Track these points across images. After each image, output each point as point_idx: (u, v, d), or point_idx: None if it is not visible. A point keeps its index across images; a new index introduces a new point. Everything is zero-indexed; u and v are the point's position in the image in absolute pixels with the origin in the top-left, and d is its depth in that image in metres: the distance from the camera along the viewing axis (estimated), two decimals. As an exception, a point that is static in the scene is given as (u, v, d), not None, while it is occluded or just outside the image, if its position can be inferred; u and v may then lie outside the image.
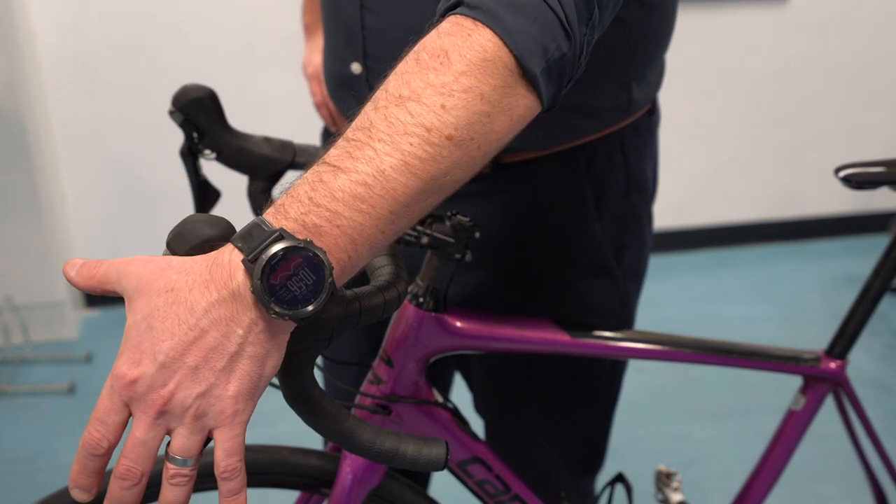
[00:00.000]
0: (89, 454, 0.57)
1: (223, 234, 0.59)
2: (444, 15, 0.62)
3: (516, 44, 0.59)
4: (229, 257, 0.55)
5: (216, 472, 0.58)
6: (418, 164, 0.56)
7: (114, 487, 0.57)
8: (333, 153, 0.58)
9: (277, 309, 0.54)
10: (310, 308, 0.55)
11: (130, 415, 0.57)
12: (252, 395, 0.57)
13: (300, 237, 0.55)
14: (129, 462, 0.56)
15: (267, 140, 0.93)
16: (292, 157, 0.94)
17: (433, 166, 0.57)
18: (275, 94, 2.60)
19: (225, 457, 0.57)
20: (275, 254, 0.53)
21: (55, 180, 2.57)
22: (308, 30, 1.29)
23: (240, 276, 0.55)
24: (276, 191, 0.60)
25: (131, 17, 2.47)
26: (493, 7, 0.59)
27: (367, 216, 0.56)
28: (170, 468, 0.57)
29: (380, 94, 0.59)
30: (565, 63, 0.62)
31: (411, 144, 0.56)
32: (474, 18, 0.59)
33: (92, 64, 2.51)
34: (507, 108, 0.60)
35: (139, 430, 0.56)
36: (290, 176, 0.97)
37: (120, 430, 0.57)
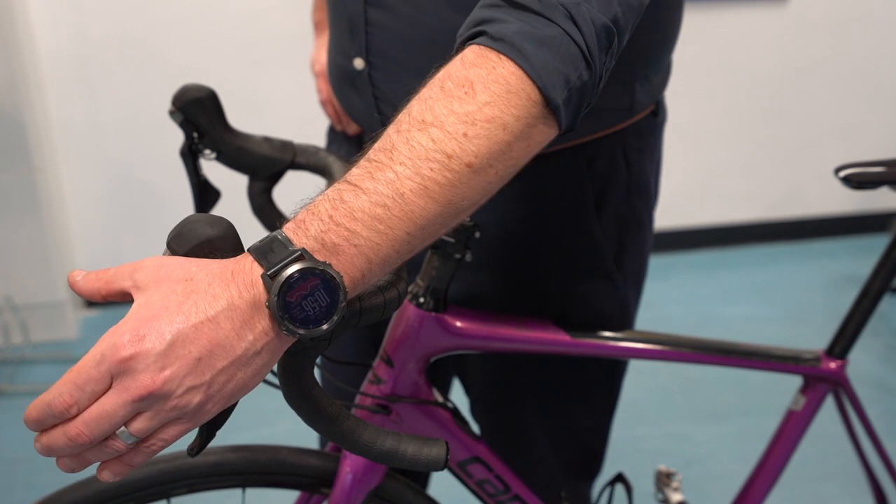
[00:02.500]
0: (51, 415, 0.54)
1: (223, 234, 0.59)
2: (465, 43, 0.63)
3: (540, 77, 0.60)
4: (250, 266, 0.56)
5: (141, 442, 0.56)
6: (437, 189, 0.58)
7: (58, 437, 0.55)
8: (355, 172, 0.59)
9: (290, 326, 0.55)
10: (322, 328, 0.56)
11: (110, 387, 0.54)
12: (229, 400, 0.57)
13: (319, 257, 0.56)
14: (83, 428, 0.54)
15: (267, 140, 0.93)
16: (292, 157, 0.94)
17: (451, 191, 0.58)
18: (275, 94, 2.60)
19: (160, 438, 0.56)
20: (293, 273, 0.54)
21: (55, 180, 2.57)
22: (318, 27, 1.29)
23: (260, 287, 0.56)
24: (297, 204, 0.60)
25: (131, 17, 2.47)
26: (517, 40, 0.61)
27: (384, 237, 0.57)
28: (111, 437, 0.55)
29: (403, 118, 0.60)
30: (586, 91, 0.64)
31: (431, 170, 0.58)
32: (498, 51, 0.61)
33: (92, 64, 2.50)
34: (526, 136, 0.61)
35: (111, 403, 0.54)
36: (290, 176, 0.97)
37: (94, 400, 0.54)
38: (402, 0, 0.88)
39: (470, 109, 0.59)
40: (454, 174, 0.58)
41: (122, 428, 0.55)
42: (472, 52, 0.62)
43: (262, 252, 0.56)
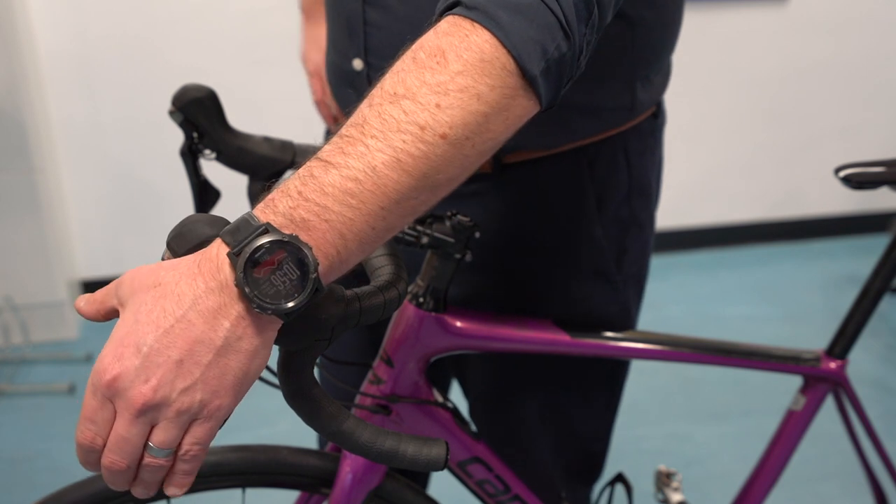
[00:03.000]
0: (87, 451, 0.57)
1: (223, 233, 0.59)
2: (442, 15, 0.62)
3: (514, 45, 0.59)
4: (217, 251, 0.55)
5: (178, 452, 0.57)
6: (410, 161, 0.57)
7: (104, 472, 0.57)
8: (326, 149, 0.58)
9: (260, 303, 0.54)
10: (291, 304, 0.55)
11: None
12: (237, 391, 0.57)
13: (287, 232, 0.55)
14: (113, 456, 0.56)
15: (267, 140, 0.93)
16: (292, 158, 0.94)
17: (425, 164, 0.57)
18: (275, 94, 2.60)
19: (192, 443, 0.57)
20: (258, 247, 0.53)
21: (55, 180, 2.57)
22: (307, 14, 1.25)
23: (227, 269, 0.55)
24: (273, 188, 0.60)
25: (131, 17, 2.48)
26: (490, 8, 0.59)
27: (356, 211, 0.56)
28: (145, 456, 0.57)
29: (375, 92, 0.59)
30: (564, 63, 0.62)
31: (404, 141, 0.56)
32: (472, 19, 0.59)
33: (92, 64, 2.51)
34: (504, 109, 0.60)
35: (121, 426, 0.55)
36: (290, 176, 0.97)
37: (111, 425, 0.56)
38: (400, 0, 0.88)
39: (442, 79, 0.57)
40: (428, 146, 0.57)
41: (150, 444, 0.56)
42: (446, 22, 0.60)
43: (230, 233, 0.55)
